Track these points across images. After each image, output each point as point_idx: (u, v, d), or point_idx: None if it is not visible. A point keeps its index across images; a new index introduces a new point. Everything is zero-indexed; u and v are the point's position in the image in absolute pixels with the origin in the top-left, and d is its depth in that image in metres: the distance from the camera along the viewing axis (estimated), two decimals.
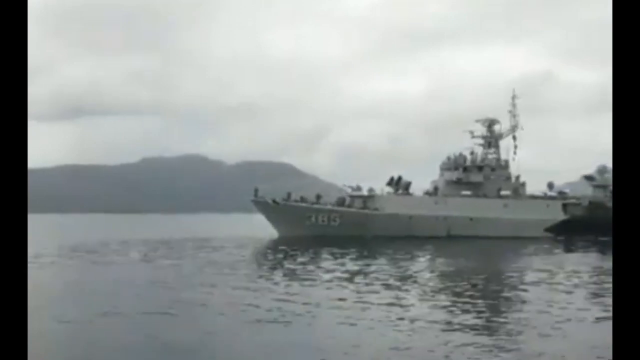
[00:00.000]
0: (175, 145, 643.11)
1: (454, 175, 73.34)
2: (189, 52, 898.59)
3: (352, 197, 73.35)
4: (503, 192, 72.89)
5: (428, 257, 42.68)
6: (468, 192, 72.53)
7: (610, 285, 23.91)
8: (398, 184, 73.15)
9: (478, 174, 73.44)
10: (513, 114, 75.81)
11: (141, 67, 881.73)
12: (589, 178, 78.38)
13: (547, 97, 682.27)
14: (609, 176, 76.33)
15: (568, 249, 51.37)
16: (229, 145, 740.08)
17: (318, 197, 73.32)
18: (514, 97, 76.30)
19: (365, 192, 72.97)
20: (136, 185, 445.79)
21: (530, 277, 30.03)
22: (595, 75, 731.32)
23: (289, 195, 73.32)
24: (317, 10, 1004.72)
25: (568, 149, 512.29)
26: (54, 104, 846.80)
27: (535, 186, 77.01)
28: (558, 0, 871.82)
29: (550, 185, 75.88)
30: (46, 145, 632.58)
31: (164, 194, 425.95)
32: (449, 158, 74.60)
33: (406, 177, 74.31)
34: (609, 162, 67.35)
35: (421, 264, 37.41)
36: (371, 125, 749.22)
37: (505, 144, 76.04)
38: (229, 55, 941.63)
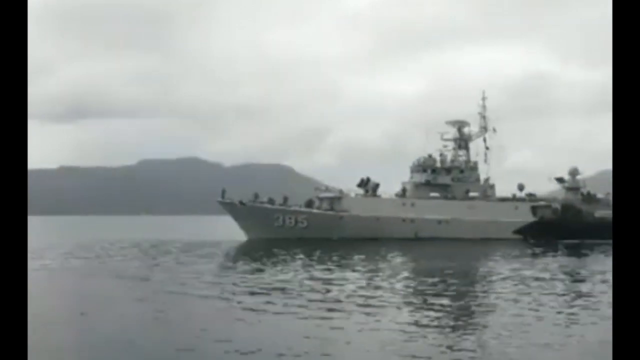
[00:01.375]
0: (173, 147, 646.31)
1: (422, 177, 73.40)
2: (189, 52, 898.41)
3: (320, 198, 73.02)
4: (471, 194, 73.39)
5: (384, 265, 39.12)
6: (436, 194, 72.85)
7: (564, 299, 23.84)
8: (367, 185, 73.07)
9: (446, 176, 73.73)
10: (482, 116, 76.48)
11: (141, 67, 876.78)
12: (560, 180, 78.88)
13: (547, 96, 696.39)
14: (580, 178, 77.42)
15: (533, 252, 50.56)
16: (228, 147, 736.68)
17: (285, 198, 72.62)
18: (483, 99, 77.07)
19: (333, 194, 72.66)
20: (135, 187, 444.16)
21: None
22: (595, 75, 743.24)
23: (255, 196, 72.13)
24: (317, 10, 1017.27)
25: (568, 149, 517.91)
26: (54, 105, 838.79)
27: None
28: (558, 0, 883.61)
29: (520, 187, 76.26)
30: (46, 146, 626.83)
31: (163, 196, 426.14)
32: (418, 160, 74.62)
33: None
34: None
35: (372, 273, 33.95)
36: (371, 125, 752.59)
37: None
38: (229, 55, 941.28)
